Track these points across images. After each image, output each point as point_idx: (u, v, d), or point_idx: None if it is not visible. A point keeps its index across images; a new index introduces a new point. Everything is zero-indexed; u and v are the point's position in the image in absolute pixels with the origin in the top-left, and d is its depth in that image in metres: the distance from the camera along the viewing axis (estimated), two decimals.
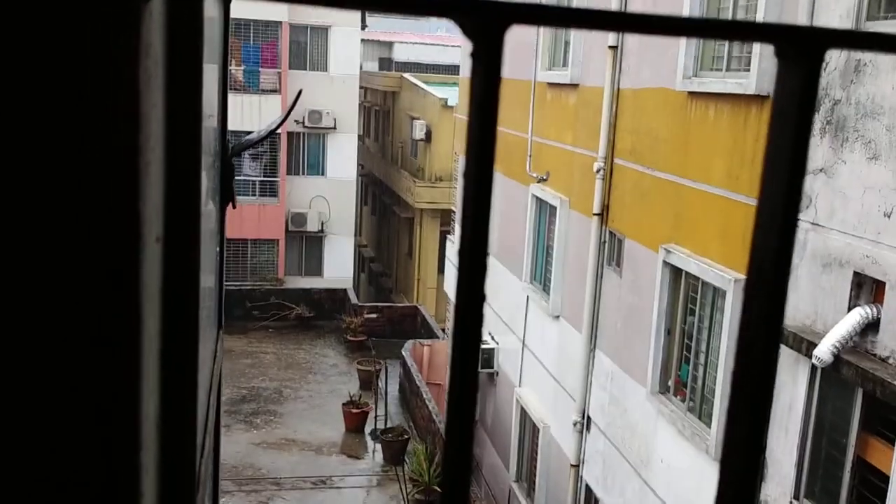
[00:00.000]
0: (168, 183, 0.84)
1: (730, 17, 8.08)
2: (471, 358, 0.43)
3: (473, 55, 0.40)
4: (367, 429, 17.48)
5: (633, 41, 9.90)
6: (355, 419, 17.43)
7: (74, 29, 0.52)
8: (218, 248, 2.02)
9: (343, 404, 17.72)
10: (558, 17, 0.43)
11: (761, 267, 0.47)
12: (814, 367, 6.50)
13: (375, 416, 17.30)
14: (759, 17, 7.30)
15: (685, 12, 8.51)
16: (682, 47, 8.57)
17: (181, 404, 0.96)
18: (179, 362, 0.94)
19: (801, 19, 6.76)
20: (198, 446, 1.19)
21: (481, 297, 0.42)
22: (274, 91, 24.97)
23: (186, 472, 1.01)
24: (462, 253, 0.41)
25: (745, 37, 0.47)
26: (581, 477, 11.09)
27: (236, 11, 27.25)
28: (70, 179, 0.54)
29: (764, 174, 0.46)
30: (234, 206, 2.06)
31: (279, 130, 24.66)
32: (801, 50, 0.44)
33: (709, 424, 8.13)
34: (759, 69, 7.27)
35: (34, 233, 0.55)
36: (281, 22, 24.92)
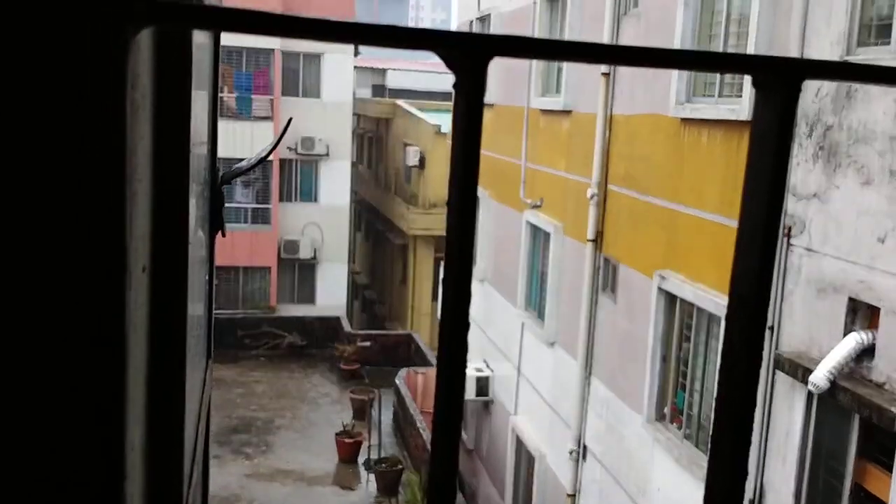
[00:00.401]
0: (155, 213, 0.85)
1: (721, 42, 8.14)
2: (457, 379, 0.44)
3: (456, 87, 0.41)
4: (361, 459, 17.30)
5: (625, 68, 9.95)
6: (348, 449, 17.27)
7: (61, 62, 0.52)
8: (207, 277, 2.00)
9: (336, 434, 17.56)
10: (538, 49, 0.44)
11: (742, 294, 0.49)
12: (810, 394, 6.46)
13: (369, 446, 17.14)
14: (751, 43, 7.35)
15: (677, 37, 8.57)
16: (675, 73, 8.62)
17: (168, 434, 0.94)
18: (167, 392, 0.92)
19: (793, 45, 6.80)
20: (185, 476, 1.15)
21: (465, 324, 0.43)
22: (266, 118, 25.03)
23: (174, 502, 0.98)
24: (446, 285, 0.42)
25: (723, 68, 0.49)
26: None
27: (228, 39, 27.29)
28: (54, 210, 0.55)
29: (743, 202, 0.48)
30: (223, 235, 2.04)
31: (271, 157, 24.68)
32: (778, 80, 0.46)
33: (706, 452, 8.06)
34: (751, 95, 7.30)
35: (17, 264, 0.55)
36: (273, 49, 25.04)
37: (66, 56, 0.52)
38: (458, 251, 0.41)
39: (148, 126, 0.74)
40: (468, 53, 0.40)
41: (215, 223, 2.01)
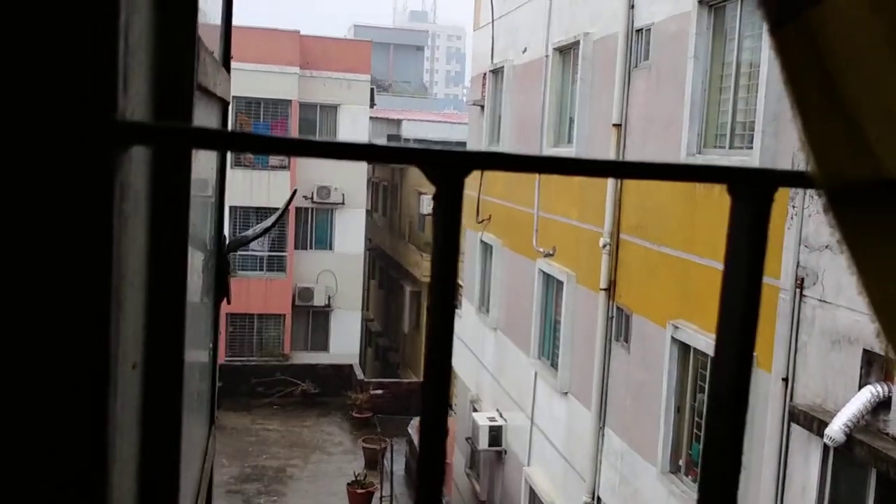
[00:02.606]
0: (150, 310, 0.86)
1: (731, 94, 8.21)
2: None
3: (435, 198, 0.44)
4: None
5: (636, 118, 10.04)
6: (360, 500, 17.09)
7: (49, 180, 0.54)
8: (211, 345, 2.01)
9: (348, 484, 17.40)
10: (512, 162, 0.46)
11: (721, 401, 0.49)
12: (826, 447, 6.37)
13: (381, 497, 16.96)
14: (761, 95, 7.41)
15: (687, 89, 8.66)
16: (686, 124, 8.69)
17: None
18: (160, 491, 0.94)
19: None
20: None
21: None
22: (283, 167, 25.32)
23: None
24: (425, 389, 0.44)
25: (700, 177, 0.50)
26: None
27: (247, 90, 27.42)
28: (40, 314, 0.56)
29: (721, 308, 0.48)
30: (228, 302, 2.07)
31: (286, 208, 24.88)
32: (752, 189, 0.47)
33: None
34: (762, 146, 7.34)
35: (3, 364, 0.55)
36: (291, 100, 25.44)
37: (54, 174, 0.54)
38: (437, 354, 0.43)
39: (143, 229, 0.76)
40: (448, 168, 0.43)
41: (220, 291, 2.02)
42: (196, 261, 1.41)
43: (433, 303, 0.44)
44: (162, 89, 0.87)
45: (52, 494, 0.57)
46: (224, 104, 2.00)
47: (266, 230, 2.74)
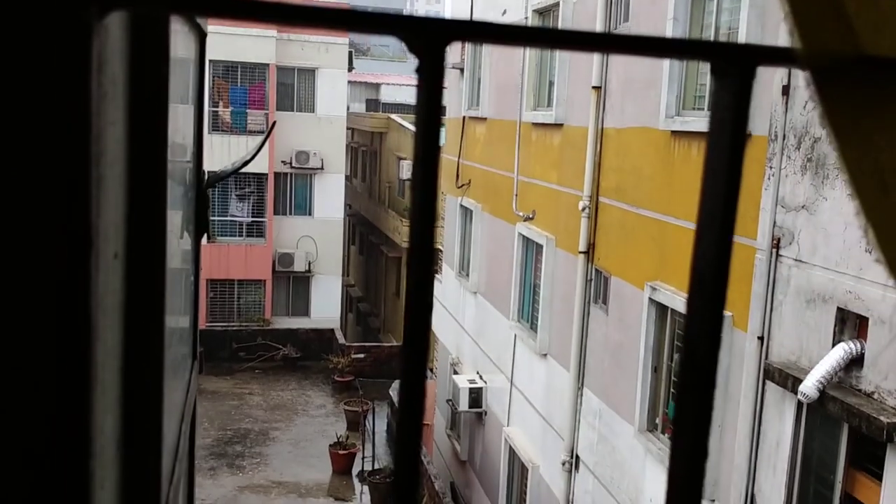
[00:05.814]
0: (130, 200, 0.85)
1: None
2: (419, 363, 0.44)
3: (418, 70, 0.43)
4: (355, 470, 17.28)
5: (616, 82, 10.03)
6: (342, 461, 17.24)
7: (22, 44, 0.52)
8: (193, 278, 2.02)
9: (330, 445, 17.54)
10: (495, 33, 0.45)
11: (701, 274, 0.48)
12: (800, 404, 6.50)
13: (363, 458, 17.12)
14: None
15: (665, 62, 8.63)
16: (665, 87, 8.69)
17: (145, 424, 0.94)
18: (142, 381, 0.93)
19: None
20: (166, 472, 1.17)
21: (429, 305, 0.44)
22: (261, 132, 25.09)
23: (150, 493, 0.99)
24: (410, 259, 0.44)
25: (679, 54, 0.50)
26: None
27: (224, 54, 27.01)
28: (15, 192, 0.55)
29: (703, 188, 0.48)
30: (209, 239, 2.08)
31: (266, 171, 24.74)
32: (734, 66, 0.47)
33: None
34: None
35: None
36: (268, 64, 25.14)
37: (27, 39, 0.52)
38: (420, 228, 0.43)
39: (120, 113, 0.74)
40: (428, 37, 0.42)
41: (201, 226, 2.03)
42: (176, 185, 1.39)
43: (414, 183, 0.43)
44: None
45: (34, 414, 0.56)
46: (202, 35, 1.97)
47: (246, 163, 2.74)
